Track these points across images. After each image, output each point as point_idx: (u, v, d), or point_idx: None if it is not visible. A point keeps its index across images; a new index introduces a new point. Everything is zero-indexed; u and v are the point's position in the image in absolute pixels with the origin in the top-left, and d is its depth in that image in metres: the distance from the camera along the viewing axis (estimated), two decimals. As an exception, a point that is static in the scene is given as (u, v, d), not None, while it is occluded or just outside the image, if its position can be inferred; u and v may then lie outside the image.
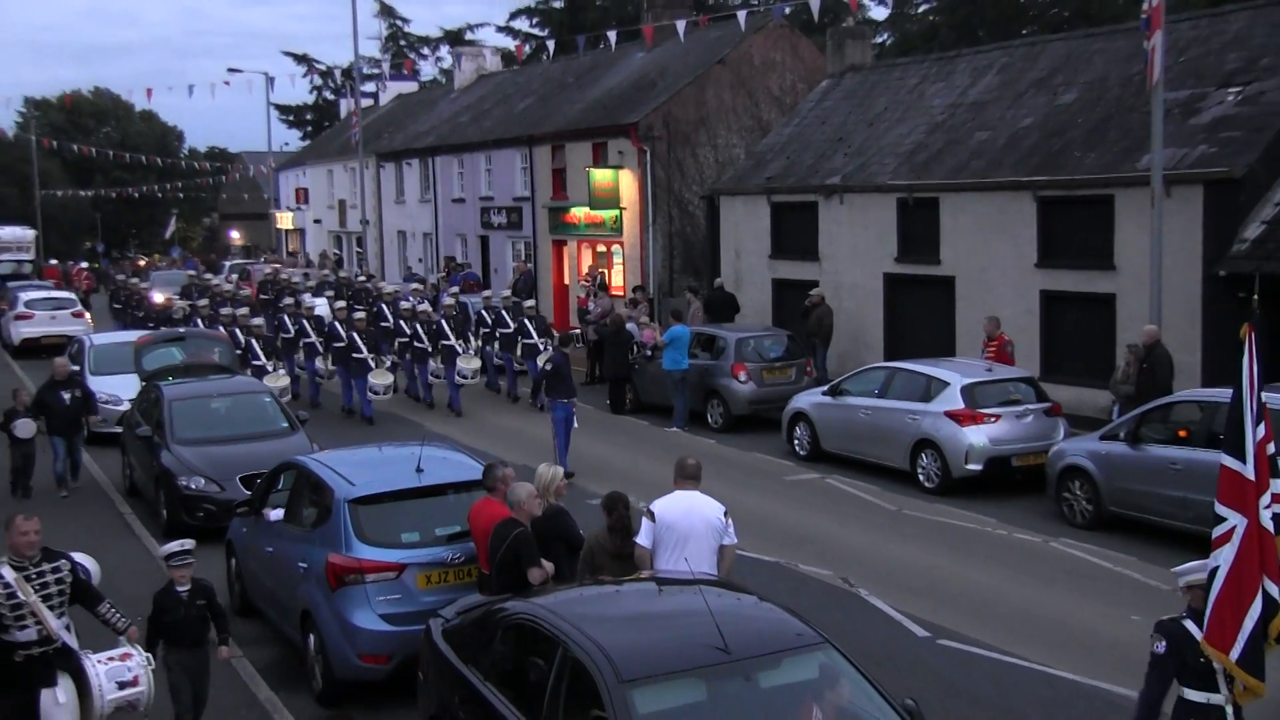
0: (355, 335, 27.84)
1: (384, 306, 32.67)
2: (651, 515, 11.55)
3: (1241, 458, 8.50)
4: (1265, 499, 8.43)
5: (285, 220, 72.76)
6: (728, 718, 8.29)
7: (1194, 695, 8.32)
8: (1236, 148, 22.48)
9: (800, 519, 18.87)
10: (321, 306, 34.39)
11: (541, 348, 27.95)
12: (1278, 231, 21.71)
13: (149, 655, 9.95)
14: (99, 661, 9.50)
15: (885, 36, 62.65)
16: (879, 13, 62.53)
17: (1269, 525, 8.41)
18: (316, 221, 67.48)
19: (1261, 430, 8.58)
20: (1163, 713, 8.68)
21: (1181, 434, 17.19)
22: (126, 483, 21.47)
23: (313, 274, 48.23)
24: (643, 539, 11.49)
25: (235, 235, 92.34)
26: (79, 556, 10.21)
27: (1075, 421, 21.19)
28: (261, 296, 40.17)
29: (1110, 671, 12.86)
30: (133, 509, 20.20)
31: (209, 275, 50.38)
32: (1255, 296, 9.27)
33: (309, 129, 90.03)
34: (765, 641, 8.70)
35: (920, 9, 61.63)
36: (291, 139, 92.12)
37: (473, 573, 12.17)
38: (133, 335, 28.22)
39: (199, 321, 31.53)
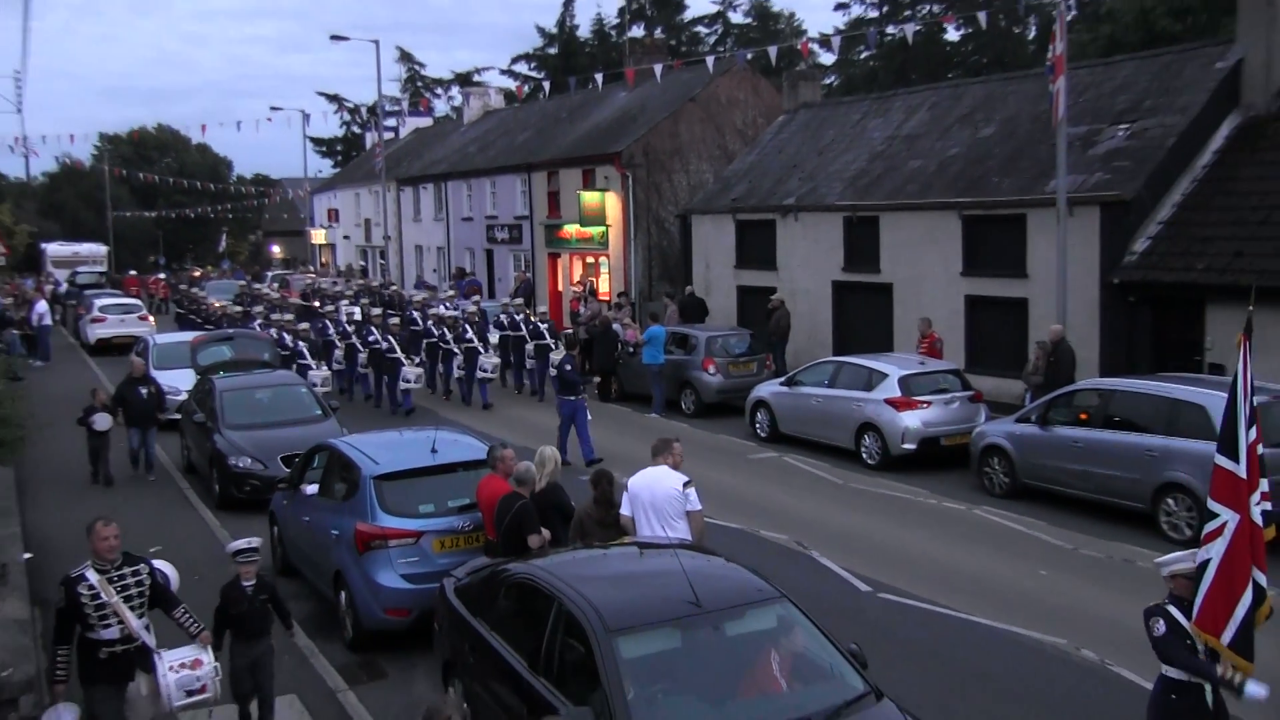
0: (390, 338, 27.24)
1: (414, 313, 31.51)
2: (625, 487, 11.70)
3: (1235, 458, 8.43)
4: (1255, 496, 8.38)
5: (319, 236, 72.65)
6: (699, 662, 8.31)
7: (1176, 674, 8.25)
8: (1126, 175, 22.60)
9: (761, 491, 18.89)
10: (358, 313, 33.24)
11: (553, 347, 27.29)
12: (1161, 246, 21.86)
13: (217, 665, 9.41)
14: (171, 668, 9.01)
15: (833, 78, 62.71)
16: (827, 58, 62.56)
17: (1259, 520, 8.36)
18: (345, 237, 67.45)
19: (1254, 433, 8.53)
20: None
21: (1083, 417, 17.26)
22: (185, 462, 21.40)
23: (350, 283, 47.43)
24: (625, 509, 11.60)
25: (276, 249, 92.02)
26: (158, 563, 9.70)
27: (994, 407, 21.26)
28: (304, 303, 39.65)
29: (1021, 618, 12.94)
30: (190, 485, 20.17)
31: (257, 284, 49.90)
32: (1250, 307, 9.18)
33: (339, 158, 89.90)
34: (731, 596, 8.74)
35: (862, 55, 61.65)
36: (324, 167, 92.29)
37: (480, 538, 12.22)
38: (190, 335, 28.19)
39: (256, 325, 31.17)
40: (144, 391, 20.13)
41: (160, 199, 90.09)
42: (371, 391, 28.77)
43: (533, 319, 29.64)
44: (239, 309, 36.61)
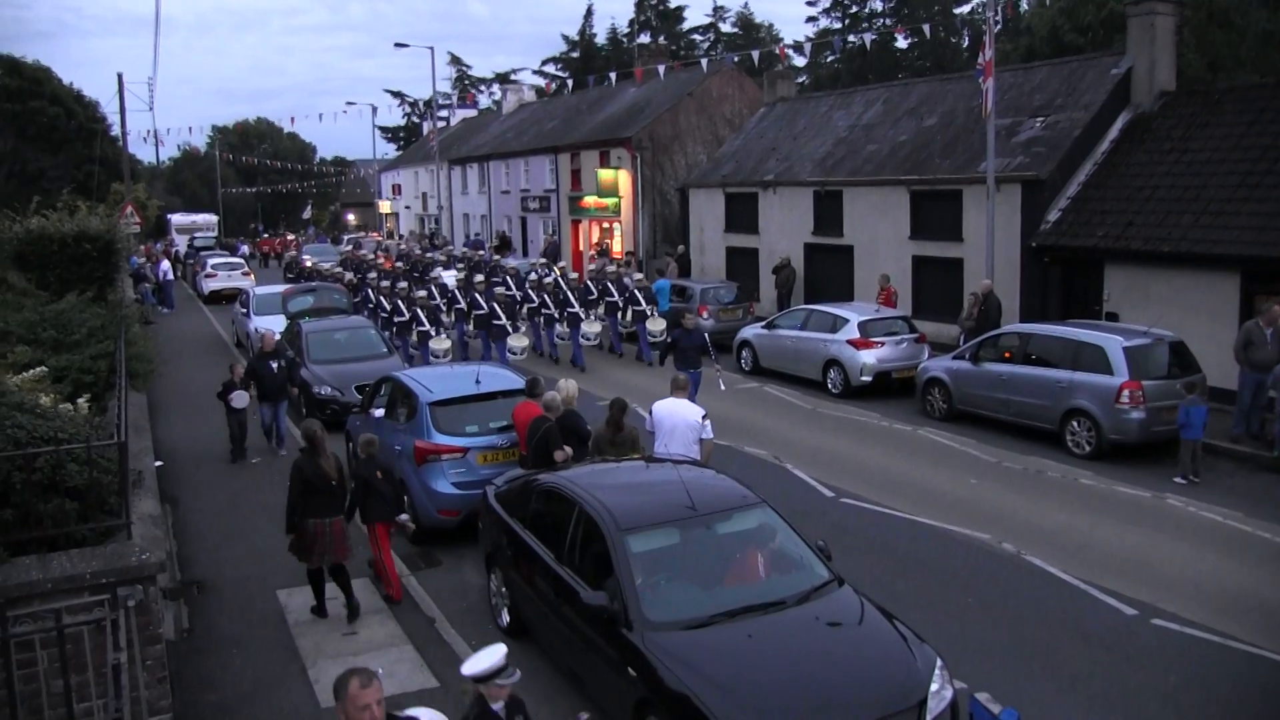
0: (495, 305, 23.33)
1: (508, 279, 26.78)
2: (650, 413, 11.93)
3: None
4: None
5: (385, 207, 72.52)
6: (694, 555, 8.28)
7: None
8: (1042, 159, 22.36)
9: (744, 415, 18.81)
10: (450, 279, 29.13)
11: (649, 314, 23.94)
12: (1069, 217, 21.65)
13: None
14: None
15: (804, 78, 61.88)
16: (799, 61, 61.69)
17: None
18: (407, 208, 67.32)
19: None
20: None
21: (1007, 355, 17.12)
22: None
23: (442, 251, 41.58)
24: (649, 428, 11.90)
25: (351, 218, 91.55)
26: (425, 715, 5.89)
27: (935, 347, 21.09)
28: (399, 266, 32.77)
29: (955, 518, 12.92)
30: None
31: (362, 251, 42.00)
32: None
33: (402, 143, 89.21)
34: (720, 502, 8.69)
35: (828, 59, 60.97)
36: (390, 150, 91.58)
37: (515, 453, 12.19)
38: (281, 288, 28.03)
39: (369, 291, 26.15)
40: (274, 365, 16.82)
41: (259, 177, 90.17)
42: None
43: (632, 287, 25.12)
44: (351, 275, 31.54)
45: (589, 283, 25.72)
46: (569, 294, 24.47)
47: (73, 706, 5.38)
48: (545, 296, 24.56)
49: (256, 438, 16.87)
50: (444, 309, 24.61)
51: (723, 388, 18.67)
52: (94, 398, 11.13)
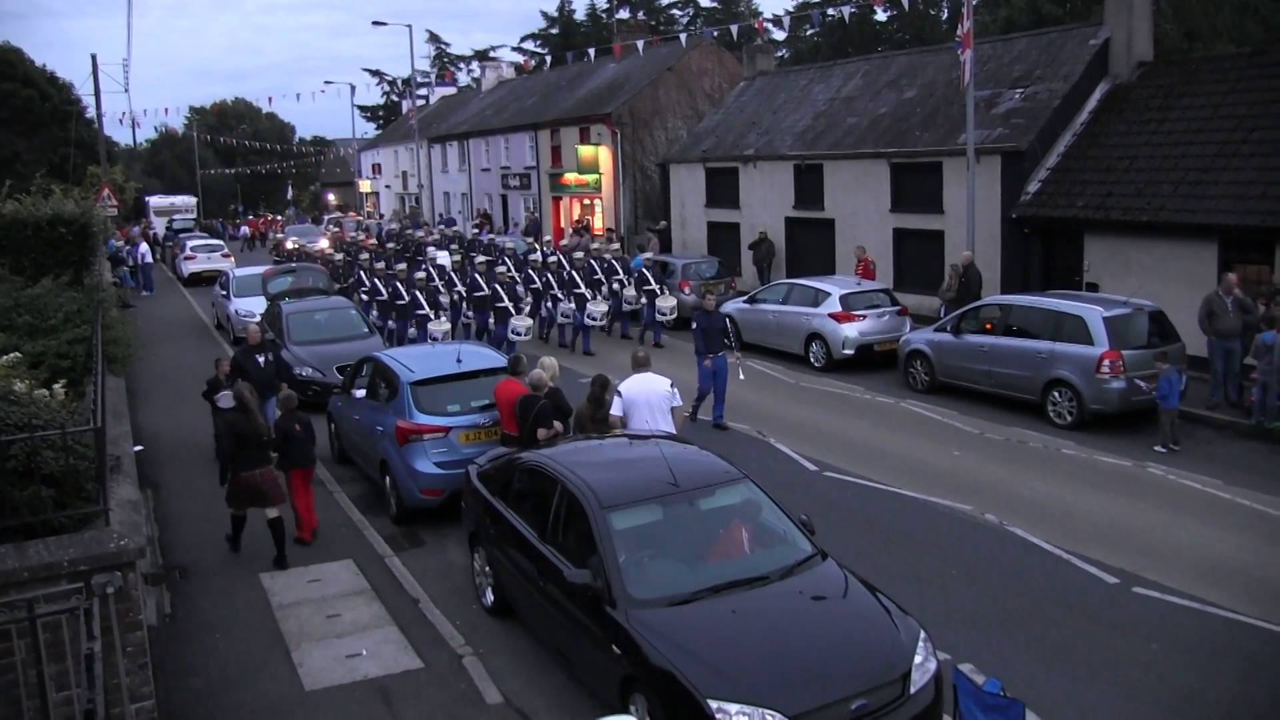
0: (498, 287, 21.94)
1: (506, 260, 25.41)
2: (619, 393, 11.76)
3: None
4: None
5: (365, 186, 72.12)
6: (677, 531, 8.26)
7: None
8: (1021, 130, 22.32)
9: (729, 390, 18.77)
10: (444, 259, 27.96)
11: (659, 292, 22.94)
12: (1049, 188, 21.65)
13: None
14: None
15: (784, 51, 61.63)
16: (779, 35, 61.38)
17: None
18: (387, 187, 67.02)
19: None
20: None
21: (988, 326, 17.11)
22: (259, 372, 21.15)
23: (435, 230, 38.51)
24: (615, 410, 11.72)
25: (331, 198, 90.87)
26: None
27: (916, 319, 21.08)
28: (391, 247, 31.91)
29: (938, 489, 12.93)
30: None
31: (353, 234, 40.28)
32: None
33: (381, 122, 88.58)
34: (703, 477, 8.66)
35: (808, 32, 60.68)
36: (369, 129, 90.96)
37: (498, 432, 12.12)
38: (261, 269, 27.78)
39: (361, 274, 24.96)
40: (261, 360, 15.42)
41: (238, 158, 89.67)
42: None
43: (639, 262, 23.97)
44: (341, 256, 30.01)
45: (593, 262, 23.95)
46: (574, 274, 23.22)
47: (46, 697, 5.31)
48: (549, 276, 23.43)
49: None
50: (443, 291, 23.17)
51: (741, 377, 17.44)
52: (71, 383, 10.98)
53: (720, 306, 22.61)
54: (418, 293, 21.84)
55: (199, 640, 9.55)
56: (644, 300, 23.23)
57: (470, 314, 22.51)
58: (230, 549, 11.69)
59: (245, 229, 60.60)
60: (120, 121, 79.96)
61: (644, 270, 23.37)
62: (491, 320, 21.87)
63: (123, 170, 63.90)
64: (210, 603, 10.40)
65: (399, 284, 22.37)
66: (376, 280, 23.32)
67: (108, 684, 6.20)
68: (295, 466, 11.85)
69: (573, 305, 22.85)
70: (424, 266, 25.11)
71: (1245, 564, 10.46)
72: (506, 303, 21.84)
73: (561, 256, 25.37)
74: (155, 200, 65.54)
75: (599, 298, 23.18)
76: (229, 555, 11.66)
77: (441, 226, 38.32)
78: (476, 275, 22.31)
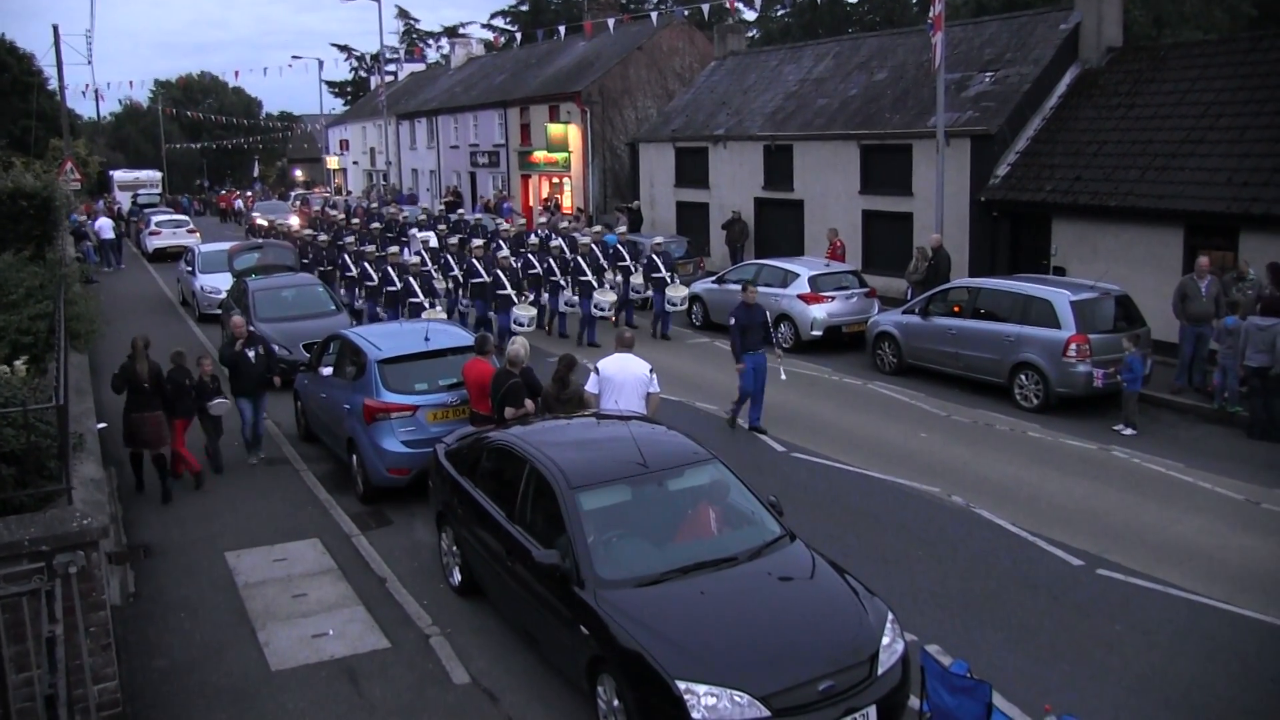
0: (500, 273, 20.12)
1: (502, 243, 23.65)
2: (596, 370, 11.68)
3: None
4: None
5: (333, 162, 71.60)
6: (646, 512, 8.24)
7: None
8: (991, 113, 22.41)
9: (696, 370, 18.78)
10: (431, 240, 26.35)
11: (669, 280, 21.49)
12: (1018, 171, 21.75)
13: None
14: None
15: (754, 31, 61.42)
16: (750, 14, 61.24)
17: None
18: (355, 163, 66.52)
19: None
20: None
21: (955, 309, 17.19)
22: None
23: (418, 210, 36.35)
24: (590, 387, 11.67)
25: (299, 173, 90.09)
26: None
27: (885, 301, 21.17)
28: (375, 227, 29.55)
29: (905, 471, 12.99)
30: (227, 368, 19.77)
31: (333, 210, 38.38)
32: None
33: (349, 98, 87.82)
34: (671, 458, 8.63)
35: (779, 12, 60.65)
36: (337, 105, 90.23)
37: (466, 411, 12.06)
38: (227, 244, 27.43)
39: (345, 257, 23.50)
40: (252, 354, 13.87)
41: (204, 133, 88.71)
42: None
43: (652, 251, 22.16)
44: (324, 238, 27.04)
45: (594, 247, 22.08)
46: (579, 260, 21.26)
47: (5, 679, 5.23)
48: (550, 262, 21.66)
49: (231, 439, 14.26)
50: (436, 276, 21.63)
51: (783, 377, 16.15)
52: (33, 359, 10.82)
53: (691, 286, 22.79)
54: (411, 278, 20.02)
55: (164, 620, 9.45)
56: (650, 290, 21.74)
57: (467, 301, 20.98)
58: (136, 489, 12.88)
59: (239, 203, 58.96)
60: (83, 94, 79.34)
61: (653, 257, 21.65)
62: (492, 309, 20.23)
63: (86, 144, 63.01)
64: (175, 582, 10.30)
65: (389, 269, 20.63)
66: (367, 265, 21.62)
67: (69, 665, 6.12)
68: (179, 417, 13.05)
69: (575, 294, 21.26)
70: (416, 250, 23.75)
71: (1206, 546, 10.59)
72: (509, 290, 20.15)
73: (563, 241, 24.09)
74: (119, 175, 64.69)
75: (606, 286, 21.45)
76: (194, 534, 11.54)
77: (405, 209, 35.32)
78: (474, 260, 20.53)
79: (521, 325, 19.69)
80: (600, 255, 21.93)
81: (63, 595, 5.89)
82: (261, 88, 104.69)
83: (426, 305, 19.80)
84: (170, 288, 29.94)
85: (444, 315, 19.15)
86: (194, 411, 13.23)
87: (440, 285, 21.39)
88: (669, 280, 21.63)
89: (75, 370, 14.68)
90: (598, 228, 26.57)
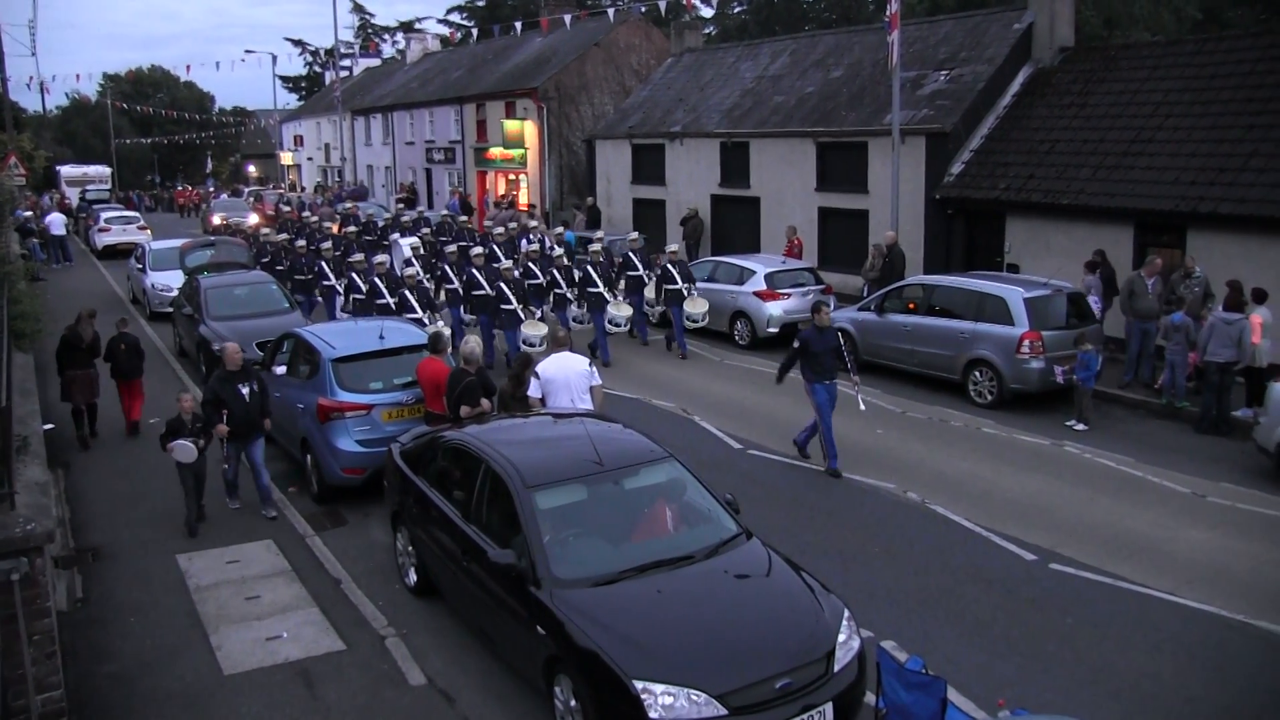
0: (504, 286, 18.20)
1: (495, 248, 21.40)
2: (536, 375, 11.64)
3: None
4: None
5: (287, 158, 70.79)
6: (602, 511, 8.21)
7: None
8: (946, 111, 22.58)
9: (651, 366, 18.78)
10: (407, 247, 23.57)
11: (687, 293, 19.75)
12: (972, 169, 21.93)
13: None
14: None
15: (711, 28, 61.59)
16: (707, 11, 61.37)
17: None
18: (309, 159, 65.83)
19: None
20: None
21: (911, 306, 17.31)
22: (176, 347, 20.63)
23: (394, 210, 32.99)
24: (532, 392, 11.62)
25: (252, 169, 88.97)
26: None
27: (840, 298, 21.28)
28: (351, 231, 25.64)
29: (860, 467, 13.06)
30: (181, 366, 19.51)
31: (306, 213, 33.87)
32: None
33: (303, 93, 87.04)
34: (627, 456, 8.61)
35: (735, 10, 60.79)
36: (291, 100, 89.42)
37: (420, 410, 11.99)
38: (179, 241, 26.98)
39: (323, 264, 21.13)
40: (245, 390, 11.95)
41: (155, 128, 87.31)
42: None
43: (667, 261, 20.11)
44: (302, 244, 23.38)
45: (629, 254, 20.27)
46: (590, 271, 19.25)
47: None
48: (555, 273, 19.62)
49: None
50: (432, 288, 19.71)
51: (863, 408, 14.11)
52: (-26, 359, 10.61)
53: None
54: (406, 291, 17.92)
55: (113, 624, 9.30)
56: (661, 305, 20.14)
57: (467, 316, 19.12)
58: (80, 446, 14.53)
59: (225, 195, 56.01)
60: (28, 86, 77.62)
61: (668, 266, 19.80)
62: (496, 326, 18.64)
63: (31, 138, 61.84)
64: (125, 585, 10.13)
65: (378, 280, 18.31)
66: (355, 275, 19.01)
67: (12, 675, 6.00)
68: (123, 379, 15.25)
69: (584, 309, 19.42)
70: (406, 259, 22.22)
71: (1155, 540, 10.73)
72: (515, 305, 18.24)
73: (549, 239, 22.36)
74: (67, 170, 63.61)
75: (619, 299, 19.72)
76: (145, 535, 11.36)
77: (360, 206, 33.07)
78: (474, 271, 18.72)
79: (533, 345, 17.62)
80: (609, 265, 20.06)
81: (4, 603, 5.77)
82: (214, 82, 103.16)
83: (426, 320, 17.40)
84: (120, 285, 29.47)
85: (448, 331, 15.14)
86: (139, 374, 15.46)
87: (439, 299, 19.58)
88: (686, 294, 19.84)
89: (20, 370, 14.43)
90: (559, 228, 26.27)
